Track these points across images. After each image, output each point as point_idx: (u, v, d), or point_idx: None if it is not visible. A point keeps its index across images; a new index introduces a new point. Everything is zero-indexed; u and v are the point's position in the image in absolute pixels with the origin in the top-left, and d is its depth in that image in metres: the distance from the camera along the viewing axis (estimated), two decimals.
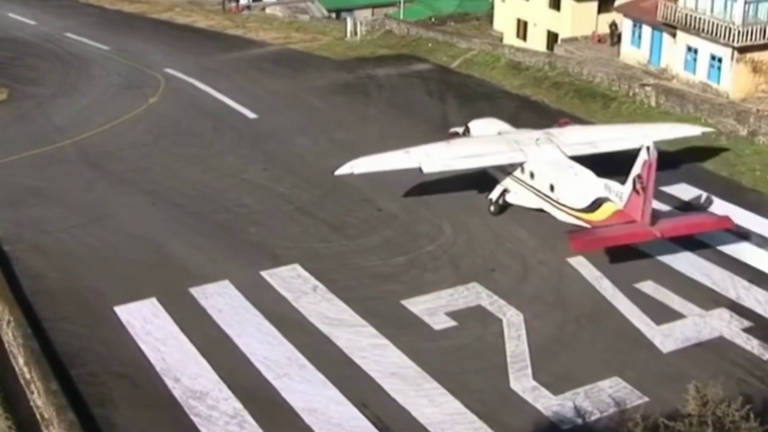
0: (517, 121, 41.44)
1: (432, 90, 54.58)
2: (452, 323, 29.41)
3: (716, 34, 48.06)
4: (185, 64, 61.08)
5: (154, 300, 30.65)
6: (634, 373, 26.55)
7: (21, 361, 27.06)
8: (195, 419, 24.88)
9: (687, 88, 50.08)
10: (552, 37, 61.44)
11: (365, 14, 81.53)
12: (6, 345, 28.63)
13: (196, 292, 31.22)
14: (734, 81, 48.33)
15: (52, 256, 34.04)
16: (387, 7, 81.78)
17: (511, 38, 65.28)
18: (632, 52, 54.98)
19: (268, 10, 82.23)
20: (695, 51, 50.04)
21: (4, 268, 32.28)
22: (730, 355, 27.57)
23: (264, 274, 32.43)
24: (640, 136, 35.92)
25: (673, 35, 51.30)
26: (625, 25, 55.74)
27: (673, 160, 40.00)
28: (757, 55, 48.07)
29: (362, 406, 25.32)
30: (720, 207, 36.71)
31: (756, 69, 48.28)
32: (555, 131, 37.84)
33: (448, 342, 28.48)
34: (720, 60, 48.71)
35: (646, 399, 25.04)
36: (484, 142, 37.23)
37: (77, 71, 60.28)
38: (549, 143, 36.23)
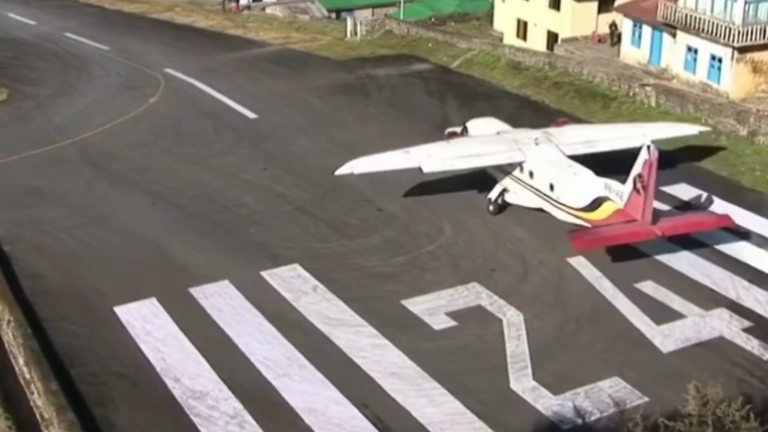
0: (517, 121, 41.48)
1: (432, 90, 54.58)
2: (452, 323, 29.42)
3: (716, 34, 48.05)
4: (185, 64, 61.09)
5: (154, 300, 30.65)
6: (634, 373, 26.54)
7: (21, 361, 27.06)
8: (195, 419, 24.89)
9: (687, 88, 50.07)
10: (552, 37, 61.43)
11: (365, 14, 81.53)
12: (6, 345, 28.63)
13: (196, 292, 31.22)
14: (734, 81, 48.33)
15: (52, 256, 34.05)
16: (387, 7, 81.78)
17: (511, 38, 65.28)
18: (632, 52, 54.98)
19: (268, 10, 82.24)
20: (695, 51, 50.04)
21: (4, 268, 32.28)
22: (730, 355, 27.57)
23: (264, 274, 32.43)
24: (638, 136, 36.15)
25: (673, 35, 51.30)
26: (625, 25, 55.74)
27: (673, 160, 39.99)
28: (757, 55, 48.06)
29: (362, 406, 25.32)
30: (720, 207, 36.69)
31: (756, 69, 48.27)
32: (553, 131, 37.89)
33: (448, 342, 28.47)
34: (720, 60, 48.70)
35: (646, 399, 25.04)
36: (484, 141, 37.24)
37: (77, 71, 60.29)
38: (548, 143, 36.27)
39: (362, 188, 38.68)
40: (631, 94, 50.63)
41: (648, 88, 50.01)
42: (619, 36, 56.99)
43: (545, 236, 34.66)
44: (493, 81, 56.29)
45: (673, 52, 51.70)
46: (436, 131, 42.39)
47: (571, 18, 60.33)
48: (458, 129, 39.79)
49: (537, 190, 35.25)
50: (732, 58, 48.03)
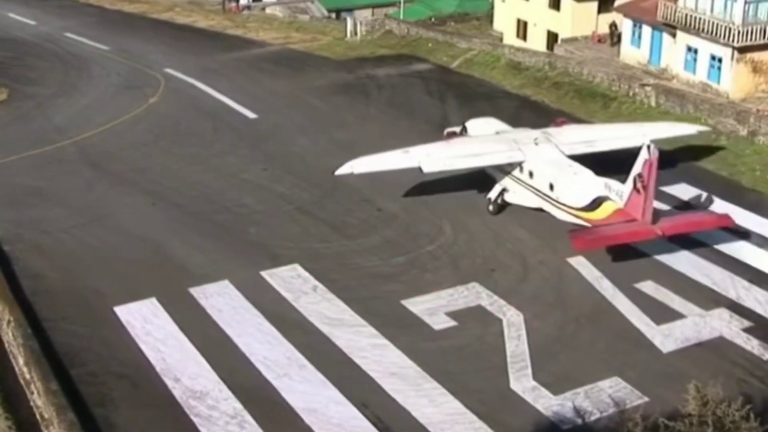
0: (517, 121, 41.49)
1: (432, 90, 54.58)
2: (452, 323, 29.41)
3: (716, 34, 48.05)
4: (185, 64, 61.09)
5: (154, 300, 30.64)
6: (634, 373, 26.54)
7: (21, 361, 27.06)
8: (195, 419, 24.88)
9: (687, 88, 50.08)
10: (552, 37, 61.43)
11: (365, 14, 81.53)
12: (6, 345, 28.62)
13: (196, 292, 31.21)
14: (734, 81, 48.33)
15: (52, 256, 34.04)
16: (387, 7, 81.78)
17: (511, 38, 65.28)
18: (632, 52, 54.98)
19: (268, 10, 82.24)
20: (695, 51, 50.04)
21: (4, 268, 32.28)
22: (730, 355, 27.56)
23: (264, 274, 32.43)
24: (638, 135, 36.20)
25: (673, 35, 51.30)
26: (625, 25, 55.74)
27: (673, 160, 39.99)
28: (757, 55, 48.06)
29: (362, 406, 25.31)
30: (720, 207, 36.67)
31: (756, 69, 48.28)
32: (552, 130, 37.91)
33: (448, 342, 28.47)
34: (720, 60, 48.70)
35: (646, 399, 25.03)
36: (484, 141, 37.25)
37: (77, 71, 60.29)
38: (547, 142, 36.28)
39: (362, 188, 38.67)
40: (631, 94, 50.63)
41: (648, 88, 50.02)
42: (619, 36, 56.99)
43: (545, 236, 34.65)
44: (493, 81, 56.29)
45: (673, 52, 51.71)
46: (436, 131, 42.39)
47: (571, 18, 60.34)
48: (457, 129, 39.81)
49: (537, 189, 35.25)
50: (732, 58, 48.03)
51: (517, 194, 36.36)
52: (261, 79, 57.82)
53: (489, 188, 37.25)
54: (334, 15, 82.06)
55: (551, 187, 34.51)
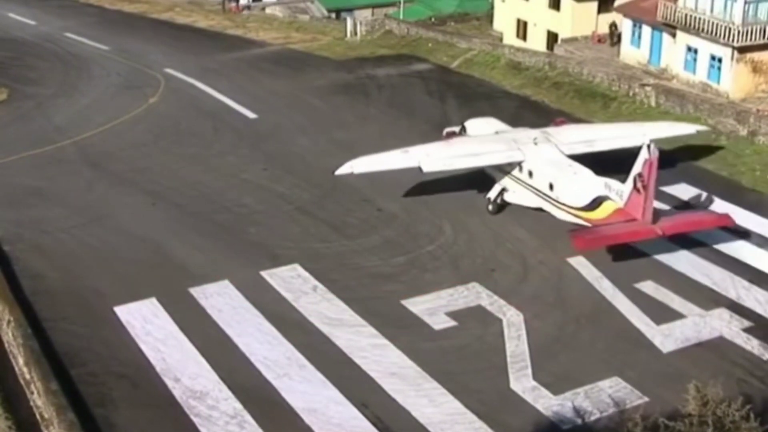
0: (517, 121, 41.49)
1: (432, 90, 54.58)
2: (452, 323, 29.41)
3: (716, 34, 48.05)
4: (185, 64, 61.09)
5: (154, 300, 30.64)
6: (634, 373, 26.54)
7: (21, 361, 27.05)
8: (195, 419, 24.88)
9: (687, 88, 50.08)
10: (552, 37, 61.43)
11: (365, 14, 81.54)
12: (6, 345, 28.62)
13: (196, 292, 31.21)
14: (734, 81, 48.33)
15: (52, 256, 34.04)
16: (387, 7, 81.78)
17: (511, 38, 65.27)
18: (632, 52, 54.98)
19: (268, 10, 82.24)
20: (695, 51, 50.04)
21: (4, 268, 32.28)
22: (730, 355, 27.57)
23: (264, 274, 32.43)
24: (637, 135, 36.21)
25: (673, 35, 51.30)
26: (625, 25, 55.73)
27: (673, 160, 39.99)
28: (757, 55, 48.06)
29: (362, 406, 25.31)
30: (720, 207, 36.65)
31: (756, 69, 48.27)
32: (552, 130, 37.91)
33: (448, 342, 28.47)
34: (720, 60, 48.70)
35: (646, 399, 25.03)
36: (483, 141, 37.25)
37: (77, 71, 60.30)
38: (547, 142, 36.28)
39: (362, 188, 38.68)
40: (631, 94, 50.63)
41: (648, 88, 50.01)
42: (619, 36, 56.99)
43: (545, 236, 34.65)
44: (493, 81, 56.28)
45: (672, 52, 51.70)
46: (436, 131, 42.34)
47: (571, 18, 60.34)
48: (457, 129, 39.80)
49: (536, 189, 35.25)
50: (732, 58, 48.03)
51: (516, 194, 36.37)
52: (261, 79, 57.83)
53: (489, 188, 37.26)
54: (334, 15, 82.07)
55: (551, 186, 34.51)
